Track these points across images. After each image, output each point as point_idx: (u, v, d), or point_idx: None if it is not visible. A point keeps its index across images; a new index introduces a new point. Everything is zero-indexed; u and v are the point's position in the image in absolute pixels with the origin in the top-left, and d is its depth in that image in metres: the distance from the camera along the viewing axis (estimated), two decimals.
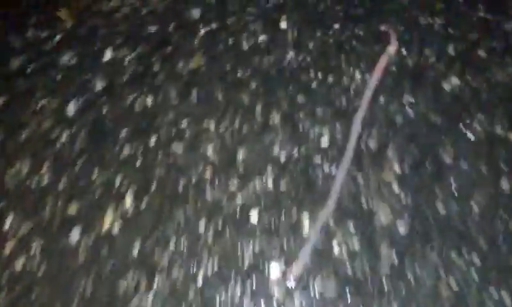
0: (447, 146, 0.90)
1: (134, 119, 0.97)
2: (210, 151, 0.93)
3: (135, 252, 0.85)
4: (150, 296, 0.81)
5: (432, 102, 0.94)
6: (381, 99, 0.95)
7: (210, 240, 0.86)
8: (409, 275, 0.81)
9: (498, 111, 0.92)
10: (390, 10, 1.05)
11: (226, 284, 0.81)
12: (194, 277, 0.83)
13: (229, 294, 0.81)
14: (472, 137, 0.90)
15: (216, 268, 0.83)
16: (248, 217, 0.87)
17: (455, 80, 0.96)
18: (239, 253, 0.84)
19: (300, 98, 0.96)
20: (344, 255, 0.83)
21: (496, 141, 0.90)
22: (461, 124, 0.91)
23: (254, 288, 0.81)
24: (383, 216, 0.86)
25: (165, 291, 0.81)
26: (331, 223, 0.85)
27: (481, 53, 0.99)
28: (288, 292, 0.81)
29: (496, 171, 0.87)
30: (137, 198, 0.90)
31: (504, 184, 0.86)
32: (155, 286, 0.81)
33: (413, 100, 0.94)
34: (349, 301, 0.79)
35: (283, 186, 0.89)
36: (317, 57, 1.00)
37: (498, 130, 0.91)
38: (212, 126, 0.95)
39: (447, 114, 0.93)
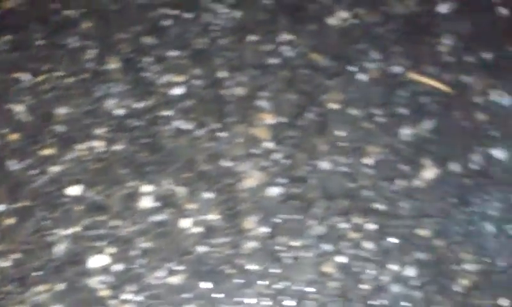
0: (332, 91, 0.77)
1: None
2: (19, 108, 0.75)
3: None
4: None
5: (315, 39, 0.81)
6: (251, 37, 0.81)
7: (10, 223, 0.67)
8: (285, 252, 0.66)
9: (396, 48, 0.81)
10: None
11: (25, 281, 0.63)
12: None
13: (26, 293, 0.63)
14: (364, 79, 0.78)
15: (15, 263, 0.64)
16: (62, 192, 0.69)
17: (343, 14, 0.84)
18: (48, 239, 0.66)
19: (147, 39, 0.81)
20: (198, 233, 0.67)
21: (394, 81, 0.78)
22: (350, 64, 0.79)
23: (68, 284, 0.63)
24: (251, 180, 0.71)
25: None
26: (181, 193, 0.69)
27: None
28: (116, 287, 0.64)
29: (394, 118, 0.75)
30: None
31: (404, 132, 0.74)
32: None
33: (291, 38, 0.81)
34: (204, 294, 0.63)
35: (118, 149, 0.72)
36: None
37: (396, 69, 0.79)
38: (25, 79, 0.77)
39: (333, 53, 0.80)
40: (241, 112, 0.75)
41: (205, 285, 0.64)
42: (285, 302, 0.63)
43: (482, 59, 0.79)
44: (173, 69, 0.77)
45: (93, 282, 0.63)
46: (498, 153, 0.73)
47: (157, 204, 0.68)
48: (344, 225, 0.68)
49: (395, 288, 0.65)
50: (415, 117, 0.75)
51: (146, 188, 0.69)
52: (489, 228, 0.68)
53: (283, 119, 0.74)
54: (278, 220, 0.68)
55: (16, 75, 0.77)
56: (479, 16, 0.82)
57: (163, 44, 0.80)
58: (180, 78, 0.77)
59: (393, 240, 0.67)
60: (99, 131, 0.73)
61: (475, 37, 0.80)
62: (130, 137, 0.72)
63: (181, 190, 0.69)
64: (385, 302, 0.64)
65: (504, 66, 0.78)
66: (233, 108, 0.75)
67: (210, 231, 0.67)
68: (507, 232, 0.67)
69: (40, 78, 0.77)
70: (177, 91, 0.76)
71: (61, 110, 0.74)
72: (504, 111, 0.75)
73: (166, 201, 0.68)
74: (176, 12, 0.82)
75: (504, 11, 0.82)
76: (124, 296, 0.63)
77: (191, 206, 0.68)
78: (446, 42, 0.80)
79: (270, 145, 0.73)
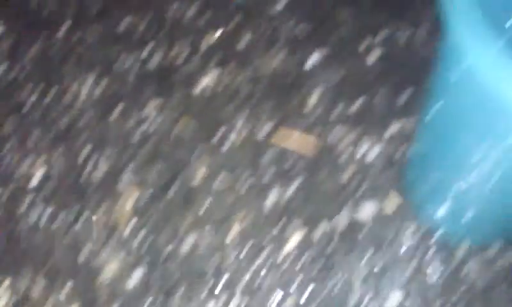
0: (200, 158, 0.76)
1: None
2: None
3: None
4: None
5: (182, 106, 0.80)
6: (116, 110, 0.79)
7: None
8: None
9: (264, 107, 0.80)
10: (132, 6, 0.89)
11: None
12: None
13: None
14: (232, 143, 0.77)
15: None
16: None
17: (211, 77, 0.83)
18: None
19: (9, 124, 0.79)
20: None
21: (261, 144, 0.77)
22: (218, 128, 0.78)
23: None
24: (111, 266, 0.69)
25: None
26: (39, 287, 0.66)
27: (241, 44, 0.87)
28: None
29: (262, 186, 0.74)
30: None
31: (271, 199, 0.73)
32: None
33: (157, 106, 0.80)
34: None
35: None
36: (35, 68, 0.83)
37: (264, 130, 0.78)
38: None
39: (200, 118, 0.79)
40: (104, 192, 0.73)
41: None
42: None
43: (350, 112, 0.78)
44: (33, 153, 0.76)
45: None
46: (366, 210, 0.72)
47: (14, 300, 0.66)
48: (210, 304, 0.66)
49: None
50: (282, 180, 0.74)
51: (3, 284, 0.67)
52: (355, 292, 0.68)
53: (147, 195, 0.73)
54: None
55: None
56: (347, 67, 0.82)
57: (23, 127, 0.78)
58: (40, 161, 0.75)
59: None
60: None
61: (343, 89, 0.80)
62: None
63: (39, 285, 0.67)
64: None
65: (370, 116, 0.78)
66: (95, 188, 0.73)
67: None
68: (371, 297, 0.67)
69: None
70: (37, 175, 0.74)
71: None
72: (370, 166, 0.75)
73: (23, 297, 0.66)
74: (38, 91, 0.80)
75: (371, 59, 0.83)
76: None
77: (49, 301, 0.66)
78: (313, 97, 0.80)
79: (132, 224, 0.71)
